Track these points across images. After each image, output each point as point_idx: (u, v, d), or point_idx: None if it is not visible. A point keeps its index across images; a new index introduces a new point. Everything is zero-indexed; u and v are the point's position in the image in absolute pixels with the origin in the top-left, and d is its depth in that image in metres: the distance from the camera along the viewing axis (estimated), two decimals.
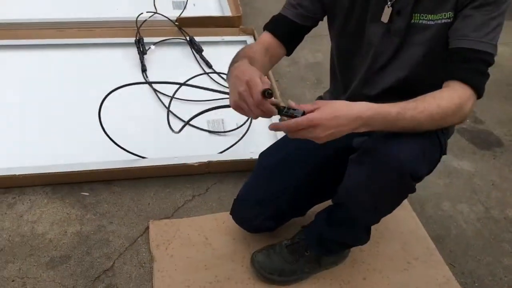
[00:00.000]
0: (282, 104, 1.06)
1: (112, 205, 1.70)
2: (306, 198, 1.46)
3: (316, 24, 1.34)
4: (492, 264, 1.61)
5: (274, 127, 1.05)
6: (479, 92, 1.11)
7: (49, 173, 1.69)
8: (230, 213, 1.52)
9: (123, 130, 1.84)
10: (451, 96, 1.10)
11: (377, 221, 1.33)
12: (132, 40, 2.32)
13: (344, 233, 1.39)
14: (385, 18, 1.21)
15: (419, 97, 1.09)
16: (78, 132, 1.88)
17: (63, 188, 1.73)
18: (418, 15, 1.17)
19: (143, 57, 2.25)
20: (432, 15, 1.15)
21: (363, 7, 1.23)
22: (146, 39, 2.33)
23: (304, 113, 1.01)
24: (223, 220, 1.64)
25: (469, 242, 1.67)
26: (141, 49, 2.28)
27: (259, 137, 1.95)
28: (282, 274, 1.43)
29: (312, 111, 1.02)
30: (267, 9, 2.97)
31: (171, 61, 2.32)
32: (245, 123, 1.97)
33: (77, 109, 1.98)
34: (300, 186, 1.40)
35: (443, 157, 1.25)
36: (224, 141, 1.91)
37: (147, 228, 1.62)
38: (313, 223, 1.47)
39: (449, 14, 1.14)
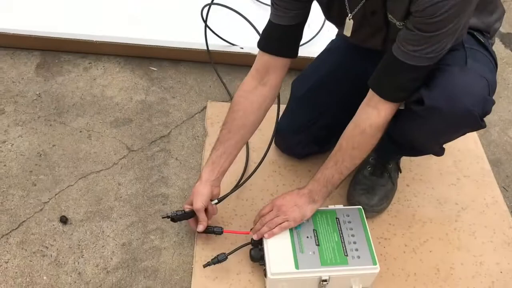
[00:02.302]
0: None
1: (176, 82, 1.78)
2: (344, 121, 1.33)
3: (309, 12, 1.20)
4: None
5: (258, 234, 1.23)
6: (388, 100, 1.12)
7: (123, 43, 1.79)
8: (275, 143, 1.53)
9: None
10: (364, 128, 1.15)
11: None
12: None
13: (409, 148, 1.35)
14: (347, 31, 1.15)
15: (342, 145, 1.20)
16: (162, 11, 1.95)
17: (134, 60, 1.83)
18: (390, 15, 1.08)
19: None
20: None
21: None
22: None
23: (222, 229, 1.29)
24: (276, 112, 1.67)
25: None
26: None
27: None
28: (389, 196, 1.43)
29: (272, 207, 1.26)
30: None
31: None
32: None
33: None
34: (334, 110, 1.35)
35: None
36: None
37: (205, 107, 1.70)
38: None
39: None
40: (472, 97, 1.06)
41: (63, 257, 1.29)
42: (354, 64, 1.35)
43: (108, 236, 1.34)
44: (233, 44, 1.81)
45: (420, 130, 1.17)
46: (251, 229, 1.28)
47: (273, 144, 1.53)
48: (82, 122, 1.62)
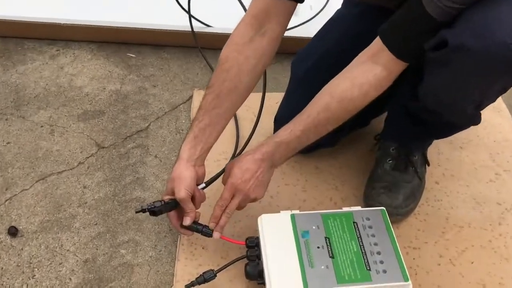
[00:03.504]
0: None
1: (158, 70, 1.52)
2: None
3: None
4: None
5: (218, 227, 0.99)
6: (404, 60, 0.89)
7: (96, 26, 1.54)
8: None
9: None
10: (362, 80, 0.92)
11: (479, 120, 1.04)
12: None
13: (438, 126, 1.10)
14: None
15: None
16: None
17: (109, 46, 1.58)
18: None
19: None
20: None
21: None
22: None
23: (203, 227, 1.00)
24: (276, 101, 1.42)
25: None
26: None
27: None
28: (416, 195, 1.16)
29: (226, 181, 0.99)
30: None
31: None
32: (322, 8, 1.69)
33: None
34: None
35: None
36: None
37: (191, 96, 1.44)
38: (389, 126, 1.19)
39: None
40: (509, 27, 0.79)
41: (8, 279, 1.02)
42: (364, 31, 1.07)
43: (68, 250, 1.07)
44: (208, 25, 1.57)
45: (446, 84, 0.90)
46: (246, 239, 1.02)
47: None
48: (45, 116, 1.36)
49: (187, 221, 0.98)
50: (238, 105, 1.04)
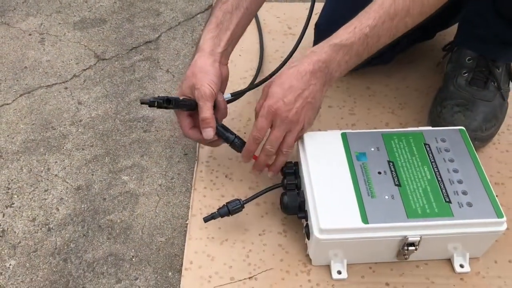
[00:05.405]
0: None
1: None
2: None
3: None
4: None
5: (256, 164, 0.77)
6: None
7: None
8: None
9: None
10: None
11: None
12: None
13: None
14: None
15: None
16: None
17: None
18: None
19: None
20: None
21: None
22: None
23: (236, 137, 0.78)
24: (316, 12, 1.17)
25: None
26: None
27: None
28: (498, 117, 0.91)
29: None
30: None
31: None
32: None
33: None
34: None
35: None
36: None
37: (211, 5, 1.19)
38: (466, 28, 0.94)
39: None
40: None
41: None
42: None
43: (56, 175, 0.85)
44: None
45: None
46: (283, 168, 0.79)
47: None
48: (34, 23, 1.13)
49: (210, 133, 0.74)
50: None
